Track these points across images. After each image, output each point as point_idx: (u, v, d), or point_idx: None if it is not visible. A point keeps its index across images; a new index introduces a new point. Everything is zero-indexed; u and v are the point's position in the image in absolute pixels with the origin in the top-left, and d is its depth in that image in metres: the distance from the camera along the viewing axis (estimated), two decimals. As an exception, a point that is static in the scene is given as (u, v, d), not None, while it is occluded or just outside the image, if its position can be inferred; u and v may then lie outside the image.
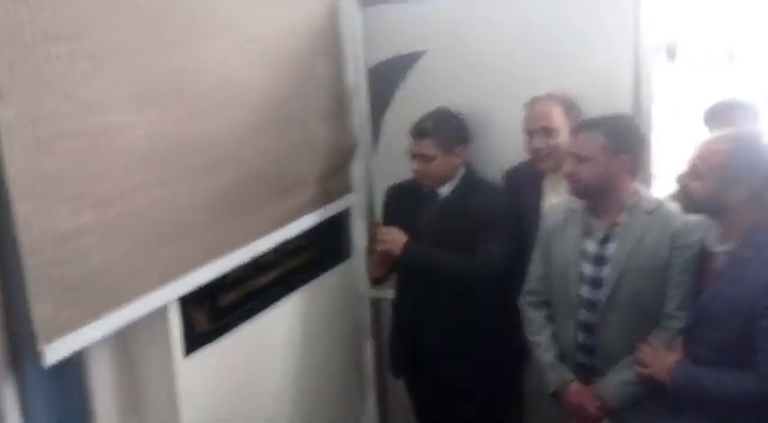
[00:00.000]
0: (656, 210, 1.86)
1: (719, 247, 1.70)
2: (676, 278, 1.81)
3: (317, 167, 2.35)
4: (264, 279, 2.16)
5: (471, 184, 2.33)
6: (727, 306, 1.63)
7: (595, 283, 1.88)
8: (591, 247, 1.90)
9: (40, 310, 1.31)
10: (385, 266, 2.41)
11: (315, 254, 2.48)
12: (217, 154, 1.82)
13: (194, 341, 1.83)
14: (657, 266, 1.81)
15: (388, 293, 2.59)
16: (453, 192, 2.32)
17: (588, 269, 1.89)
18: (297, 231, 2.27)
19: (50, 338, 1.34)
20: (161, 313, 1.70)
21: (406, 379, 2.54)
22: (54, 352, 1.35)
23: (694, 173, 1.69)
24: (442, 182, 2.31)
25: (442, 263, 2.24)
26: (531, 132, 2.22)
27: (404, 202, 2.43)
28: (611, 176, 1.85)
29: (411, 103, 2.54)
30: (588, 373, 1.93)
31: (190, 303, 1.80)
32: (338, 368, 2.65)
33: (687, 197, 1.74)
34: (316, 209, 2.37)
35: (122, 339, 1.70)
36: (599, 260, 1.88)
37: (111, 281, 1.48)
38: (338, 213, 2.61)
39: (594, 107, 2.15)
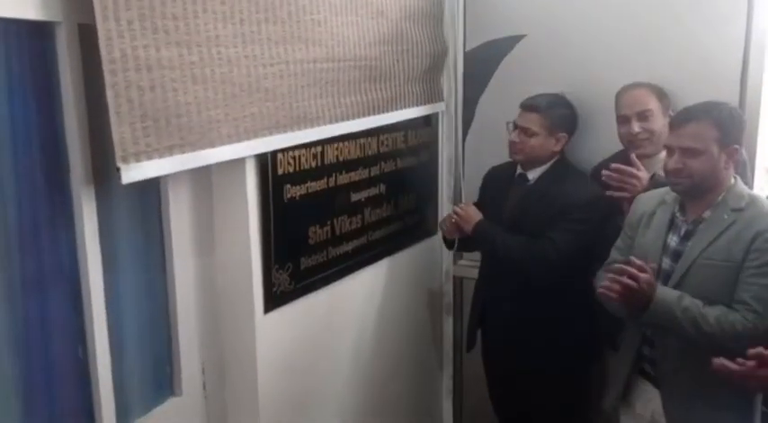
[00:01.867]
0: (746, 208, 1.74)
1: None
2: (746, 280, 1.69)
3: (408, 65, 2.41)
4: (347, 247, 2.28)
5: (560, 172, 2.33)
6: None
7: (668, 277, 1.82)
8: (673, 241, 1.84)
9: (119, 129, 1.39)
10: (456, 234, 2.46)
11: (401, 228, 2.59)
12: (311, 31, 1.91)
13: (274, 300, 1.98)
14: (727, 266, 1.72)
15: (472, 273, 2.65)
16: (541, 177, 2.33)
17: (666, 264, 1.84)
18: (388, 121, 2.36)
19: (127, 159, 1.42)
20: (239, 165, 1.81)
21: (482, 354, 2.61)
22: (130, 172, 1.43)
23: None
24: (533, 162, 2.33)
25: (504, 246, 2.28)
26: (626, 118, 2.20)
27: (497, 184, 2.48)
28: (720, 171, 1.75)
29: (507, 88, 2.58)
30: (647, 364, 1.92)
31: (271, 264, 1.95)
32: (415, 341, 2.75)
33: None
34: (407, 105, 2.45)
35: (202, 187, 1.85)
36: (676, 256, 1.82)
37: (189, 122, 1.56)
38: (426, 191, 2.69)
39: (695, 97, 2.06)
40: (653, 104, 2.16)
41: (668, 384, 1.86)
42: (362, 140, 2.31)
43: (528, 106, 2.31)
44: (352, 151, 2.26)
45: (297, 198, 2.03)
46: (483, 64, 2.64)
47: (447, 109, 2.73)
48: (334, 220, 2.21)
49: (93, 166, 1.49)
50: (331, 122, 2.06)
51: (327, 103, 2.04)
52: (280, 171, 1.95)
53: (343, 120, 2.11)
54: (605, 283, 1.75)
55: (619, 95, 2.22)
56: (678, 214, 1.85)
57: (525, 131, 2.29)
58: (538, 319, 2.31)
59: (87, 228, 1.50)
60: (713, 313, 1.69)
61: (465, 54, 2.67)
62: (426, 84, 2.57)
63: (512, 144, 2.32)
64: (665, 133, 2.12)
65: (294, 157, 2.00)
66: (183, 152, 1.56)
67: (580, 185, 2.29)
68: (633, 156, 2.09)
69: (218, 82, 1.63)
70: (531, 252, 2.23)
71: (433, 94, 2.62)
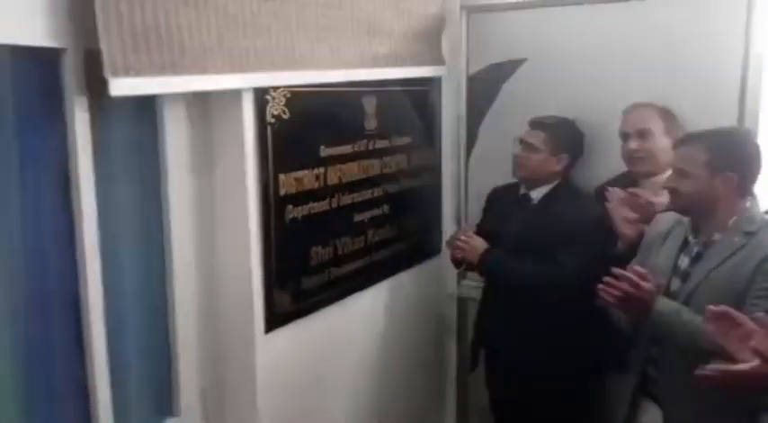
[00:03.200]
0: (758, 232, 1.74)
1: None
2: (751, 302, 1.67)
3: (408, 24, 2.42)
4: (349, 267, 2.29)
5: (564, 193, 2.34)
6: None
7: (675, 298, 1.80)
8: (683, 263, 1.84)
9: (107, 41, 1.40)
10: (462, 263, 2.47)
11: (404, 248, 2.59)
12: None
13: (275, 320, 1.98)
14: (733, 288, 1.71)
15: (476, 293, 2.65)
16: (545, 198, 2.34)
17: (676, 285, 1.83)
18: (388, 76, 2.36)
19: (116, 72, 1.42)
20: (235, 96, 1.81)
21: (485, 377, 2.59)
22: (119, 86, 1.43)
23: None
24: (536, 181, 2.34)
25: (515, 274, 2.28)
26: (626, 135, 2.22)
27: (501, 204, 2.49)
28: (714, 194, 1.76)
29: (509, 111, 2.60)
30: (651, 386, 1.90)
31: (272, 284, 1.96)
32: (418, 362, 2.74)
33: None
34: (407, 64, 2.45)
35: (200, 116, 1.86)
36: (686, 276, 1.81)
37: (181, 45, 1.57)
38: (429, 211, 2.71)
39: (696, 118, 2.11)
40: (654, 124, 2.18)
41: (672, 406, 1.85)
42: (365, 162, 2.33)
43: (536, 123, 2.35)
44: (355, 172, 2.28)
45: (299, 219, 2.04)
46: (486, 87, 2.66)
47: (451, 130, 2.75)
48: (337, 241, 2.22)
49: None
50: (328, 69, 2.07)
51: (325, 49, 2.04)
52: (282, 192, 1.97)
53: (340, 68, 2.12)
54: (602, 286, 1.75)
55: (625, 112, 2.25)
56: (691, 236, 1.85)
57: (529, 147, 2.31)
58: (541, 339, 2.30)
59: (80, 139, 1.50)
60: None
61: (468, 77, 2.70)
62: (427, 45, 2.57)
63: (515, 158, 2.35)
64: (667, 155, 2.15)
65: (296, 179, 2.02)
66: (175, 74, 1.57)
67: (584, 207, 2.29)
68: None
69: (211, 9, 1.66)
70: (542, 279, 2.23)
71: (433, 57, 2.63)
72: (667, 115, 2.20)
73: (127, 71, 1.46)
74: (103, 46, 1.40)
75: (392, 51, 2.36)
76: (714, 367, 1.48)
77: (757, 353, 1.43)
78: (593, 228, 2.22)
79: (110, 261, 1.60)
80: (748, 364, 1.44)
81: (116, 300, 1.65)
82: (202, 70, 1.64)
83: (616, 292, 1.73)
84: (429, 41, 2.58)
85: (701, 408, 1.76)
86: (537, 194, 2.35)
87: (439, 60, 2.66)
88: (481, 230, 2.49)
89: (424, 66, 2.57)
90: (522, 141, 2.34)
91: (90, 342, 1.55)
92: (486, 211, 2.58)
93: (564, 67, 2.49)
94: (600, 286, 1.76)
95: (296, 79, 1.95)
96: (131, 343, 1.72)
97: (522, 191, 2.40)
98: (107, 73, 1.41)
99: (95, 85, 1.47)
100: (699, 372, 1.48)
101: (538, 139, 2.30)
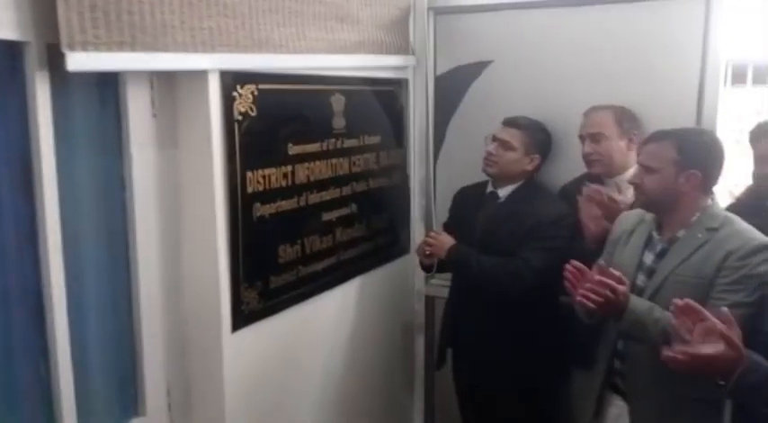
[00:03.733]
0: (720, 228, 1.79)
1: None
2: (716, 296, 1.71)
3: (376, 12, 2.43)
4: (318, 266, 2.28)
5: (530, 191, 2.38)
6: None
7: (641, 293, 1.85)
8: (648, 259, 1.89)
9: (65, 14, 1.38)
10: (431, 260, 2.49)
11: (372, 247, 2.60)
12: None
13: (242, 319, 1.97)
14: (698, 282, 1.75)
15: (443, 292, 2.67)
16: (511, 196, 2.38)
17: (641, 280, 1.88)
18: (356, 64, 2.36)
19: (73, 46, 1.40)
20: (201, 79, 1.79)
21: (452, 375, 2.62)
22: (77, 60, 1.41)
23: None
24: (504, 179, 2.38)
25: (479, 269, 2.30)
26: (582, 138, 2.29)
27: (468, 203, 2.52)
28: (678, 191, 1.81)
29: (476, 112, 2.63)
30: (618, 380, 1.95)
31: (240, 282, 1.95)
32: (387, 361, 2.75)
33: None
34: (376, 52, 2.46)
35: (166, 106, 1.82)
36: (651, 273, 1.86)
37: (142, 21, 1.55)
38: (398, 211, 2.72)
39: (656, 121, 2.16)
40: (608, 128, 2.22)
41: (638, 399, 1.89)
42: (334, 160, 2.33)
43: (510, 122, 2.38)
44: (323, 171, 2.28)
45: (267, 217, 2.03)
46: (453, 88, 2.69)
47: (419, 130, 2.77)
48: (305, 240, 2.22)
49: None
50: (295, 53, 2.06)
51: (291, 33, 2.03)
52: (249, 189, 1.96)
53: (308, 53, 2.11)
54: (583, 291, 1.76)
55: (584, 115, 2.30)
56: (655, 233, 1.90)
57: (504, 144, 2.34)
58: (506, 337, 2.33)
59: (41, 112, 1.47)
60: None
61: (436, 78, 2.72)
62: (395, 35, 2.58)
63: (488, 155, 2.36)
64: (623, 156, 2.21)
65: (264, 176, 2.01)
66: (135, 51, 1.55)
67: (549, 204, 2.34)
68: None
69: None
70: (506, 272, 2.25)
71: (401, 47, 2.63)
72: (624, 118, 2.25)
73: (85, 46, 1.43)
74: (61, 19, 1.38)
75: (360, 39, 2.36)
76: (680, 349, 1.51)
77: (723, 337, 1.48)
78: (557, 223, 2.27)
79: (71, 257, 1.57)
80: (713, 347, 1.48)
81: (79, 297, 1.62)
82: (164, 48, 1.62)
83: (598, 299, 1.74)
84: (397, 31, 2.60)
85: (666, 400, 1.81)
86: (504, 192, 2.39)
87: (407, 50, 2.67)
88: (448, 229, 2.52)
89: (393, 55, 2.57)
90: (495, 138, 2.37)
91: (53, 342, 1.52)
92: (452, 210, 2.61)
93: (529, 68, 2.53)
94: (581, 292, 1.77)
95: (262, 62, 1.94)
96: (95, 342, 1.69)
97: (490, 189, 2.43)
98: (64, 47, 1.39)
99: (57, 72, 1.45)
100: (665, 352, 1.51)
101: (514, 136, 2.34)
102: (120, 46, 1.51)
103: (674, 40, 2.28)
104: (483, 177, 2.45)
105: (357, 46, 2.35)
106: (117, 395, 1.78)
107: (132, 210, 1.75)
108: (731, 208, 2.09)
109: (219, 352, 1.91)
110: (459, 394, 2.60)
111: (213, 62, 1.78)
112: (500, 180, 2.39)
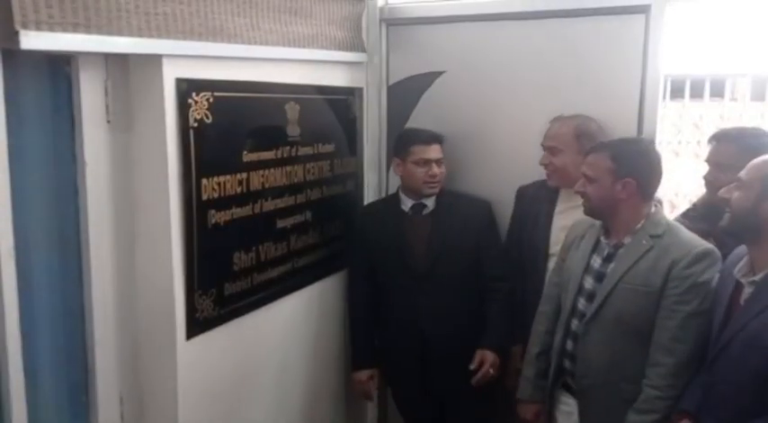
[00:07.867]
0: (663, 235, 1.87)
1: (748, 279, 1.66)
2: (670, 307, 1.80)
3: (329, 8, 2.48)
4: (272, 273, 2.29)
5: (453, 196, 2.53)
6: (748, 341, 1.56)
7: (591, 297, 1.94)
8: (596, 263, 1.97)
9: None
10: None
11: (327, 254, 2.61)
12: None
13: (197, 326, 1.97)
14: (646, 291, 1.83)
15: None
16: (438, 205, 2.50)
17: (589, 283, 1.97)
18: (309, 57, 2.39)
19: (27, 25, 1.42)
20: (157, 88, 1.79)
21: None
22: (30, 39, 1.42)
23: (738, 184, 1.66)
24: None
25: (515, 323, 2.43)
26: (543, 148, 2.36)
27: (385, 221, 2.56)
28: (616, 199, 1.90)
29: (427, 121, 2.68)
30: (569, 378, 2.03)
31: (194, 289, 1.94)
32: (341, 368, 2.76)
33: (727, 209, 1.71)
34: (329, 47, 2.50)
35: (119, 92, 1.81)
36: (599, 277, 1.94)
37: (96, 3, 1.57)
38: (351, 218, 2.76)
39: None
40: (563, 142, 2.28)
41: (587, 398, 1.97)
42: (288, 168, 2.35)
43: (433, 139, 2.47)
44: (278, 178, 2.29)
45: (221, 224, 2.04)
46: (405, 97, 2.75)
47: (371, 138, 2.81)
48: (260, 247, 2.22)
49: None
50: (249, 43, 2.08)
51: (245, 23, 2.06)
52: (204, 196, 1.96)
53: (261, 44, 2.14)
54: None
55: (549, 123, 2.36)
56: (603, 238, 1.99)
57: (438, 162, 2.46)
58: (454, 332, 2.44)
59: None
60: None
61: (389, 88, 2.78)
62: (348, 31, 2.62)
63: (439, 175, 2.46)
64: (578, 169, 2.30)
65: (219, 183, 2.02)
66: (89, 33, 1.56)
67: (475, 200, 2.54)
68: None
69: None
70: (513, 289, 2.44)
71: (355, 44, 2.67)
72: (581, 134, 2.28)
73: (38, 25, 1.44)
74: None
75: (313, 33, 2.39)
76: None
77: None
78: (491, 208, 2.54)
79: (23, 264, 1.54)
80: None
81: (29, 303, 1.59)
82: (118, 32, 1.64)
83: None
84: (350, 28, 2.64)
85: (613, 398, 1.89)
86: (431, 203, 2.51)
87: (360, 47, 2.71)
88: (362, 251, 2.59)
89: (346, 51, 2.61)
90: (435, 160, 2.46)
91: (4, 351, 1.49)
92: (363, 227, 2.63)
93: (479, 79, 2.60)
94: None
95: (215, 50, 1.95)
96: (47, 351, 1.66)
97: (414, 202, 2.52)
98: (17, 24, 1.40)
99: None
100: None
101: (440, 152, 2.47)
102: (75, 26, 1.53)
103: (617, 54, 2.39)
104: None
105: (310, 40, 2.39)
106: (69, 404, 1.75)
107: (85, 216, 1.73)
108: (688, 213, 2.20)
109: (174, 360, 1.90)
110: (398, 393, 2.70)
111: (167, 48, 1.78)
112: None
